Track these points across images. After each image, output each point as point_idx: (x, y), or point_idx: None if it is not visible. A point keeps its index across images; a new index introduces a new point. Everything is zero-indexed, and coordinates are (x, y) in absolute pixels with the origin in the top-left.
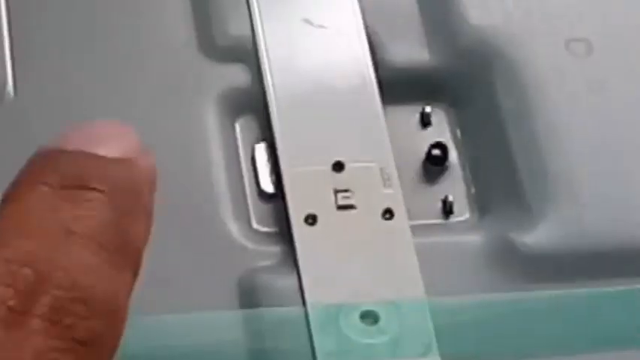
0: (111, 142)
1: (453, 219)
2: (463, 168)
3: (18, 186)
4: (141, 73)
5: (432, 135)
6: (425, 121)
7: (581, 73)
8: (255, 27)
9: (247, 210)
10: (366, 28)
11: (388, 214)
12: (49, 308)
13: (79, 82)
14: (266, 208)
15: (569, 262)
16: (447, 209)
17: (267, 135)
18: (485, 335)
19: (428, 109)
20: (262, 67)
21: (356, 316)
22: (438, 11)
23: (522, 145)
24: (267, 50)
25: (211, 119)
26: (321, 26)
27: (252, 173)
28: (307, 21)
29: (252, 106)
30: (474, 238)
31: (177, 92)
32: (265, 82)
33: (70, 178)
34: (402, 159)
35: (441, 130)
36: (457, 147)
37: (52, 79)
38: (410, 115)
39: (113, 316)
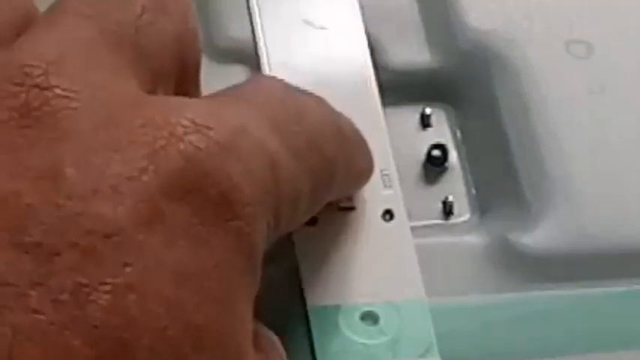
0: None
1: (453, 220)
2: (463, 169)
3: None
4: None
5: (431, 136)
6: (425, 122)
7: (581, 75)
8: (255, 28)
9: None
10: (367, 29)
11: (388, 215)
12: None
13: None
14: None
15: (569, 262)
16: (447, 210)
17: None
18: (486, 336)
19: (428, 110)
20: (262, 68)
21: (356, 316)
22: (438, 13)
23: (522, 146)
24: (267, 51)
25: None
26: (321, 27)
27: None
28: (308, 22)
29: None
30: (474, 239)
31: None
32: None
33: None
34: (402, 160)
35: (441, 131)
36: (457, 148)
37: None
38: (410, 116)
39: None
